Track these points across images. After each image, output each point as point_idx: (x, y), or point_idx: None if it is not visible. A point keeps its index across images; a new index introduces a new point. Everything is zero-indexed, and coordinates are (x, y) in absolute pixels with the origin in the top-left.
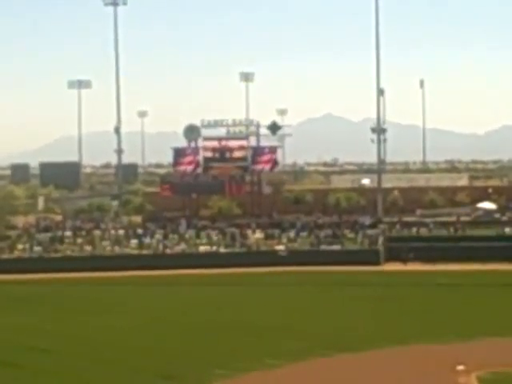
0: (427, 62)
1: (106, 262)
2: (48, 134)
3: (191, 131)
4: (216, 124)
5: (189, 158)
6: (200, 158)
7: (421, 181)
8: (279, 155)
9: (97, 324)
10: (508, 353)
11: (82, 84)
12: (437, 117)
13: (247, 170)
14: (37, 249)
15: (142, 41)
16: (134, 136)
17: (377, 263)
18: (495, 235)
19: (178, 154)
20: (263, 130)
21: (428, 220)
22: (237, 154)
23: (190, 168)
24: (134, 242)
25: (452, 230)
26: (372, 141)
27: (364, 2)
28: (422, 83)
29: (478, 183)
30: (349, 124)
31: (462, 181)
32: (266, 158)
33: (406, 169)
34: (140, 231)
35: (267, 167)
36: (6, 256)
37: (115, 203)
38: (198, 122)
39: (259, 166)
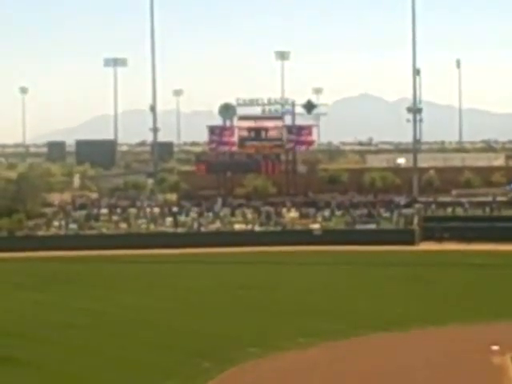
0: (464, 42)
1: (141, 240)
2: (84, 113)
3: (227, 110)
4: (251, 103)
5: (224, 137)
6: (235, 136)
7: (457, 161)
8: (314, 134)
9: (131, 302)
10: None
11: (117, 62)
12: (473, 97)
13: (282, 148)
14: (72, 226)
15: (177, 20)
16: (169, 115)
17: (412, 243)
18: None
19: (214, 132)
20: (299, 109)
21: (463, 200)
22: (272, 132)
23: (225, 147)
24: (169, 219)
25: (488, 210)
26: (408, 120)
27: None
28: (458, 63)
29: None
30: (385, 104)
31: (499, 161)
32: (302, 137)
33: (441, 148)
34: (175, 209)
35: (304, 147)
36: (42, 233)
37: (151, 181)
38: (233, 101)
39: (296, 146)
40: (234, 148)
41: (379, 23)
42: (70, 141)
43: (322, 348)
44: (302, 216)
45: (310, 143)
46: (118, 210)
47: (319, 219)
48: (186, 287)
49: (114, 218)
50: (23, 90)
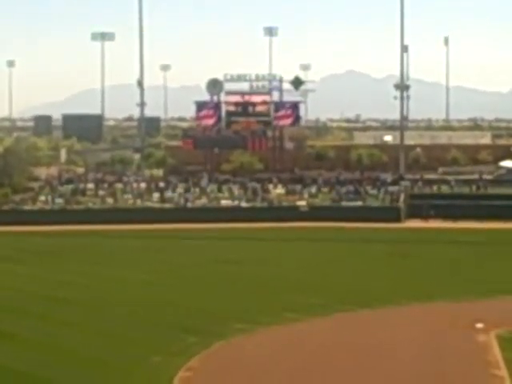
0: (452, 19)
1: (128, 215)
2: (71, 87)
3: (214, 85)
4: (239, 78)
5: (211, 112)
6: (222, 112)
7: (443, 138)
8: (302, 111)
9: (118, 277)
10: None
11: (105, 36)
12: (461, 74)
13: (269, 124)
14: (59, 201)
15: None
16: (156, 90)
17: (398, 220)
18: None
19: (201, 107)
20: (286, 85)
21: (450, 178)
22: (259, 108)
23: (212, 122)
24: (155, 195)
25: (474, 187)
26: (395, 97)
27: None
28: (446, 40)
29: (501, 142)
30: (372, 81)
31: (485, 139)
32: (288, 113)
33: (428, 126)
34: (162, 184)
35: (289, 122)
36: (28, 207)
37: (137, 156)
38: (221, 76)
39: (282, 121)
40: (221, 123)
41: None
42: (57, 115)
43: (308, 323)
44: (289, 192)
45: (297, 119)
46: (105, 185)
47: (306, 196)
48: (172, 262)
49: (101, 192)
50: (10, 64)
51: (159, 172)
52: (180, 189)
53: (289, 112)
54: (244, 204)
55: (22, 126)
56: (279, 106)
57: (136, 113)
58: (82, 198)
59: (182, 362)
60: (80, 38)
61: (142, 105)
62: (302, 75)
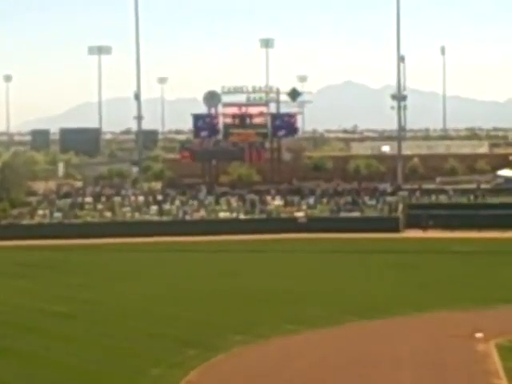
0: (448, 29)
1: (126, 228)
2: (68, 101)
3: (211, 97)
4: (236, 90)
5: (208, 125)
6: (220, 124)
7: (441, 148)
8: (299, 122)
9: (116, 290)
10: None
11: (102, 50)
12: (458, 84)
13: (267, 136)
14: (57, 215)
15: (162, 7)
16: (153, 103)
17: (396, 230)
18: None
19: (198, 120)
20: (283, 97)
21: (448, 187)
22: (257, 120)
23: (209, 134)
24: (153, 208)
25: (472, 197)
26: (392, 108)
27: None
28: (443, 50)
29: (499, 151)
30: (369, 91)
31: (483, 148)
32: (286, 125)
33: (426, 136)
34: (160, 197)
35: (287, 134)
36: (26, 222)
37: (135, 169)
38: (218, 89)
39: (279, 133)
40: (219, 135)
41: (364, 10)
42: (55, 129)
43: (308, 335)
44: (287, 204)
45: (295, 131)
46: (103, 199)
47: (304, 207)
48: (170, 275)
49: (99, 206)
50: (7, 78)
51: (157, 185)
52: (178, 201)
53: (287, 124)
54: (242, 216)
55: (19, 141)
56: (276, 117)
57: (133, 126)
58: (80, 211)
59: (181, 375)
60: (77, 52)
61: (139, 118)
62: (299, 86)
